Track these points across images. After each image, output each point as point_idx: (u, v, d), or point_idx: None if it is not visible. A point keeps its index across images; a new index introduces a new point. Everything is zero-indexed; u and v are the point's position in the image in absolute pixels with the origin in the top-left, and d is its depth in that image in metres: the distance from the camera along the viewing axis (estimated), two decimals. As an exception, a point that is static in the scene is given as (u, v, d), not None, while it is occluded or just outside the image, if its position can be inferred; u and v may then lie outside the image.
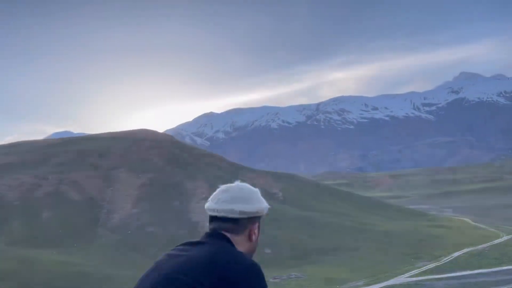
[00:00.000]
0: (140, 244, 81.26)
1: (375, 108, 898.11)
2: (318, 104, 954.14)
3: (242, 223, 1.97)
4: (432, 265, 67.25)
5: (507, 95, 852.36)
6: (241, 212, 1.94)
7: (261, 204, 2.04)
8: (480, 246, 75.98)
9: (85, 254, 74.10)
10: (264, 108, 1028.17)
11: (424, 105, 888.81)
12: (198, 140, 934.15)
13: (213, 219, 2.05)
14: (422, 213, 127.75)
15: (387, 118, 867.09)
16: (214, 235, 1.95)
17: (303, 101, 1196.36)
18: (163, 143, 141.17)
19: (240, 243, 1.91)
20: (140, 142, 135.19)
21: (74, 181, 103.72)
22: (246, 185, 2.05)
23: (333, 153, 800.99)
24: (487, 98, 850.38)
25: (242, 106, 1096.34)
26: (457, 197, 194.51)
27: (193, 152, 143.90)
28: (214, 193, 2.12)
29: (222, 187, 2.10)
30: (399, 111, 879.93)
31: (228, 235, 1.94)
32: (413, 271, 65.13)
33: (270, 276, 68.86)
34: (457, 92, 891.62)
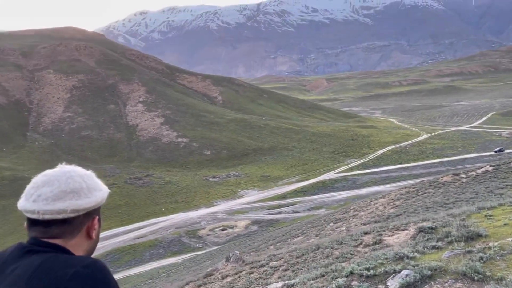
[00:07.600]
0: (76, 147, 79.64)
1: (315, 10, 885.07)
2: (259, 4, 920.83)
3: (77, 222, 1.41)
4: (359, 162, 73.19)
5: None
6: (73, 211, 1.38)
7: (100, 193, 1.46)
8: (402, 144, 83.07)
9: (17, 159, 71.71)
10: (202, 8, 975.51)
11: (362, 8, 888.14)
12: (132, 40, 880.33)
13: (33, 223, 1.38)
14: (353, 115, 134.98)
15: (326, 21, 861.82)
16: (37, 247, 1.35)
17: (243, 0, 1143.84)
18: (94, 42, 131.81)
19: (77, 246, 1.42)
20: (67, 41, 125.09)
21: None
22: (76, 170, 1.46)
23: (272, 56, 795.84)
24: (422, 2, 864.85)
25: (177, 4, 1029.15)
26: (386, 99, 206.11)
27: (127, 53, 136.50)
28: (31, 186, 1.41)
29: (41, 176, 1.42)
30: (338, 14, 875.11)
31: (59, 241, 1.38)
32: (342, 168, 70.71)
33: (209, 175, 71.67)
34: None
